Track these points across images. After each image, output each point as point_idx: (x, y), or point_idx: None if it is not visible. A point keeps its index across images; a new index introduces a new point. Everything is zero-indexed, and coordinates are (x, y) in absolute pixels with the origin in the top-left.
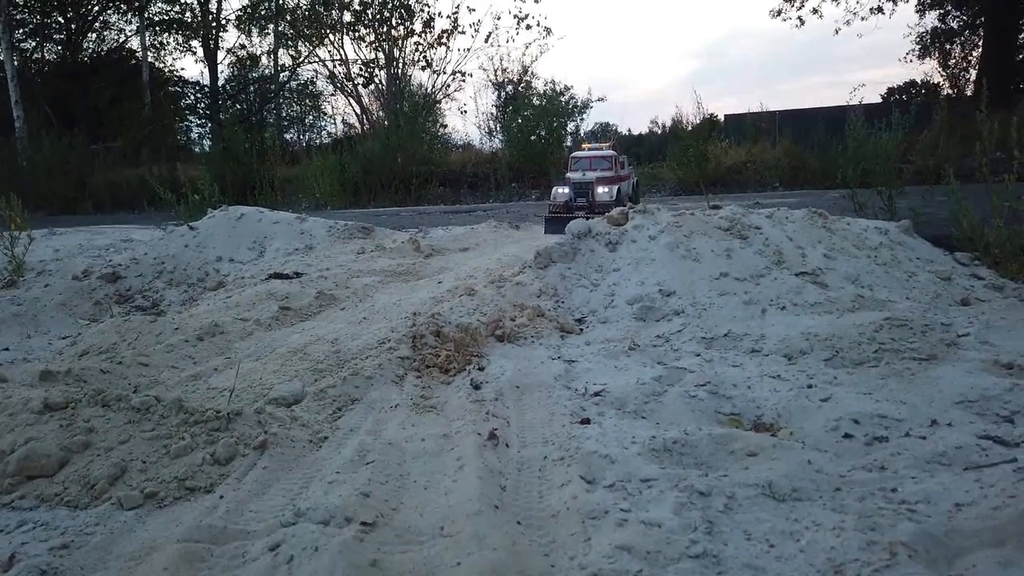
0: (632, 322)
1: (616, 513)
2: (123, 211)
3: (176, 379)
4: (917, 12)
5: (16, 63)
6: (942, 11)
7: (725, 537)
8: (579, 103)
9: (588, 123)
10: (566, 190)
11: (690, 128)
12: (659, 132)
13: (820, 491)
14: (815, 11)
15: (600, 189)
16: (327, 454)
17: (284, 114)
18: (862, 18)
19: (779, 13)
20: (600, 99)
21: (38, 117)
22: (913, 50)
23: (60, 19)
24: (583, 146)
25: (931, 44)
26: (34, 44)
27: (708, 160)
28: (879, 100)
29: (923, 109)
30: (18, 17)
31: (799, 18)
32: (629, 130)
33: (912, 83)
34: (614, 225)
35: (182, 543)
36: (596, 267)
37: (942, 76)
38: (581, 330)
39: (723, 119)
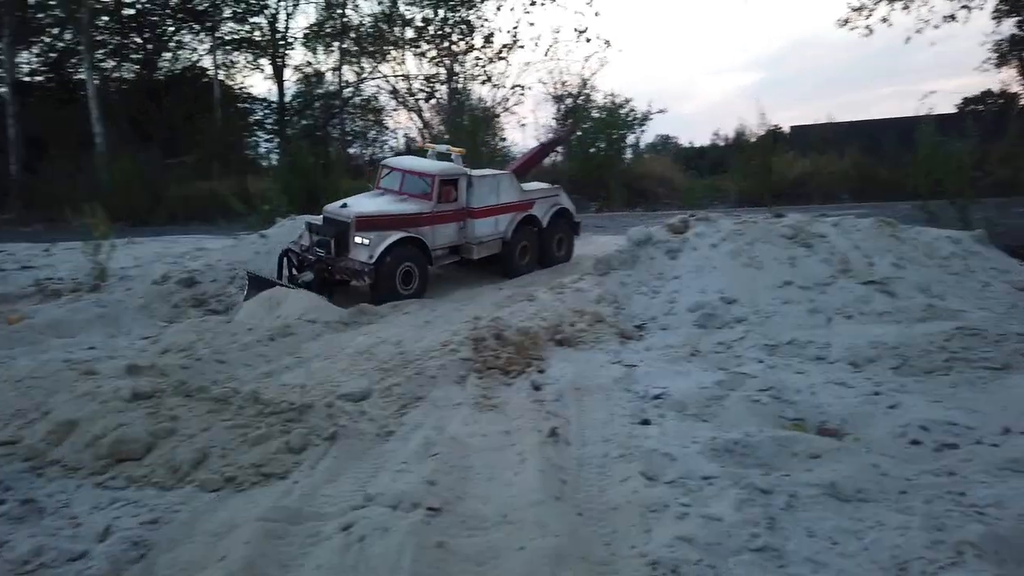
0: (693, 329)
1: (676, 507)
2: (195, 222)
3: (250, 375)
4: (994, 19)
5: (97, 82)
6: (1020, 18)
7: (787, 533)
8: (639, 115)
9: (649, 135)
10: (318, 223)
11: (753, 140)
12: (722, 144)
13: (885, 493)
14: (884, 20)
15: (358, 239)
16: (394, 446)
17: (348, 129)
18: (935, 26)
19: (846, 22)
20: (661, 111)
21: (117, 133)
22: (990, 58)
23: (138, 40)
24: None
25: (1009, 52)
26: (114, 64)
27: (772, 172)
28: (954, 110)
29: (1000, 118)
30: (99, 38)
31: (868, 27)
32: (691, 142)
33: (988, 92)
34: (675, 233)
35: (261, 522)
36: (656, 274)
37: (1021, 85)
38: (641, 336)
39: (788, 130)
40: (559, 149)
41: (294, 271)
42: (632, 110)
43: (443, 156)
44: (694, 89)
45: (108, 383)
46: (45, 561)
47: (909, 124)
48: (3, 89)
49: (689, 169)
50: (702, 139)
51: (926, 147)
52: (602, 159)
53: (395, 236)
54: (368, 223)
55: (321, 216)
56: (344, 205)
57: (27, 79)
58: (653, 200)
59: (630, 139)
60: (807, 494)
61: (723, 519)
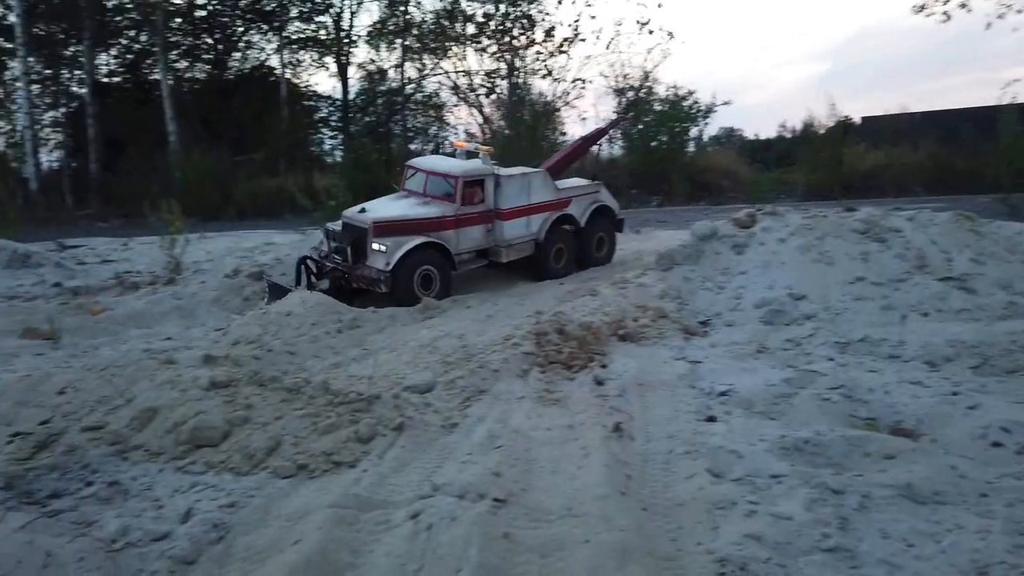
0: (759, 325)
1: (744, 505)
2: (263, 218)
3: (320, 366)
4: None
5: (171, 82)
6: None
7: (860, 534)
8: (702, 107)
9: (712, 127)
10: (337, 229)
11: (822, 131)
12: (788, 136)
13: (964, 495)
14: (963, 5)
15: (375, 245)
16: (458, 438)
17: (409, 125)
18: (1018, 11)
19: (922, 8)
20: (725, 103)
21: (190, 132)
22: None
23: (209, 40)
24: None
25: None
26: (186, 64)
27: (842, 164)
28: None
29: None
30: (172, 40)
31: (945, 13)
32: (756, 134)
33: None
34: (741, 227)
35: (333, 508)
36: (721, 270)
37: None
38: (706, 332)
39: (859, 121)
40: (603, 142)
41: (313, 278)
42: (695, 102)
43: (472, 155)
44: (760, 80)
45: (187, 372)
46: (132, 540)
47: (989, 113)
48: (84, 90)
49: (755, 162)
50: (768, 131)
51: (1008, 137)
52: (664, 152)
53: (413, 242)
54: (386, 228)
55: (340, 221)
56: (363, 210)
57: (105, 80)
58: (717, 194)
59: (693, 132)
60: (881, 495)
61: (793, 518)
